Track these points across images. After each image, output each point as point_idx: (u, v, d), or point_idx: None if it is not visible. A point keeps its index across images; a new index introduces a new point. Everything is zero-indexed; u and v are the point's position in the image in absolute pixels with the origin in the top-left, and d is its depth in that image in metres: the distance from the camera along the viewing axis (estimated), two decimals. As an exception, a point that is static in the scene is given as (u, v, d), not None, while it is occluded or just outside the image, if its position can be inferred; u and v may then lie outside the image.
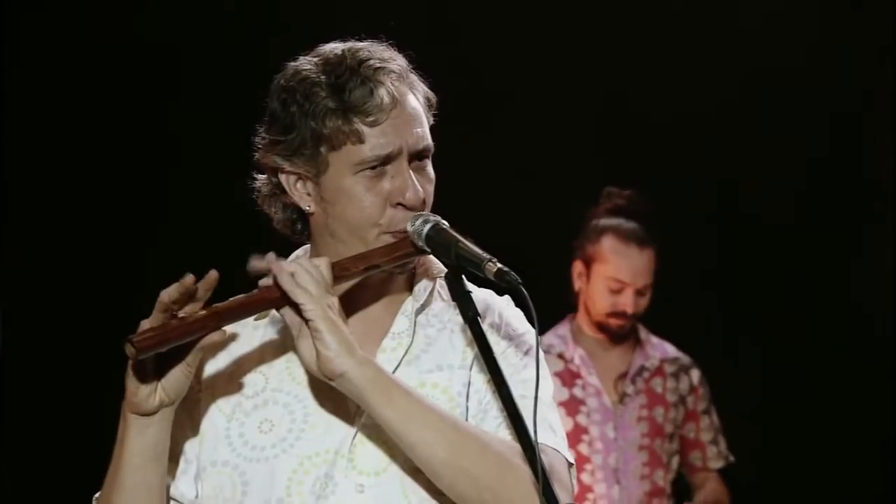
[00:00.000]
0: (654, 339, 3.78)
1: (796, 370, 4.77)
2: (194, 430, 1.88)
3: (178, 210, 4.49)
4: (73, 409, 4.37)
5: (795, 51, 4.83)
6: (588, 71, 4.65)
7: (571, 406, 3.61)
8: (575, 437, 3.57)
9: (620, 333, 3.67)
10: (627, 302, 3.59)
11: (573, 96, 4.62)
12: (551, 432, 1.83)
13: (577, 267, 3.68)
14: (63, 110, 4.53)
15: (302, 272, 1.74)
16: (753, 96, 4.80)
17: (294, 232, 1.93)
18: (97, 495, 1.87)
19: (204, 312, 1.74)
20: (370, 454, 1.83)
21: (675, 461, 3.77)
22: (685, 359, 3.78)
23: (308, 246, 1.94)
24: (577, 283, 3.69)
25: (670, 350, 3.79)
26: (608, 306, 3.61)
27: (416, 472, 1.82)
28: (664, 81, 4.76)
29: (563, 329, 3.71)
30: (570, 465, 1.86)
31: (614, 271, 3.59)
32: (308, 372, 1.83)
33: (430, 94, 1.90)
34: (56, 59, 4.49)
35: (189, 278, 1.72)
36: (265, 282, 1.78)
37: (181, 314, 1.74)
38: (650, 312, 3.92)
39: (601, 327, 3.68)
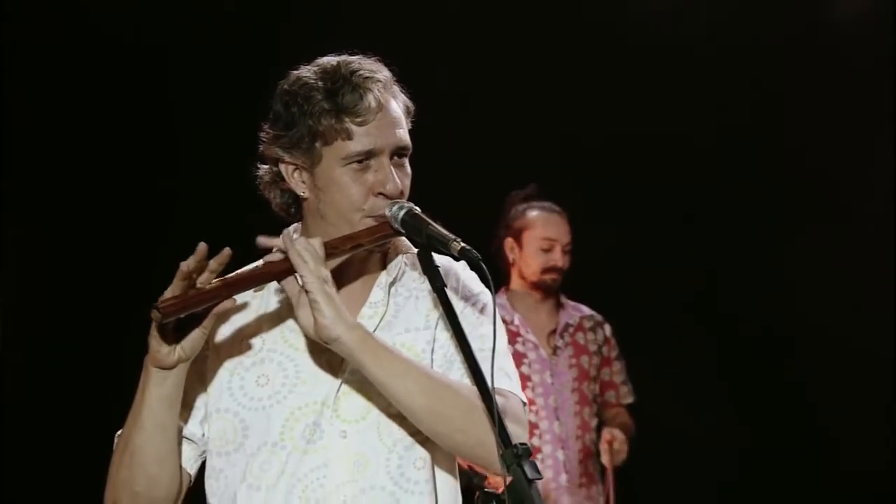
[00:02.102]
0: (571, 302, 4.23)
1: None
2: (202, 382, 2.04)
3: (183, 211, 4.39)
4: (75, 405, 4.31)
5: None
6: (540, 92, 4.91)
7: (516, 359, 3.74)
8: (521, 384, 3.90)
9: (553, 287, 4.12)
10: (557, 257, 4.07)
11: (527, 112, 4.87)
12: (507, 378, 2.05)
13: (509, 243, 4.12)
14: (64, 104, 4.43)
15: (303, 249, 1.90)
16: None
17: (289, 214, 2.10)
18: (119, 433, 2.03)
19: (217, 283, 1.89)
20: (351, 405, 2.01)
21: (595, 402, 4.18)
22: (598, 316, 4.26)
23: (297, 225, 2.09)
24: (511, 256, 4.12)
25: (585, 309, 4.25)
26: (542, 263, 4.07)
27: (389, 420, 2.01)
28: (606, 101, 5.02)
29: (501, 298, 4.10)
30: (524, 403, 2.07)
31: (544, 233, 4.07)
32: (300, 335, 2.00)
33: (409, 103, 2.07)
34: (67, 49, 4.44)
35: (202, 246, 1.88)
36: (271, 257, 1.93)
37: (198, 285, 1.88)
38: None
39: (537, 286, 4.11)
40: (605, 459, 4.05)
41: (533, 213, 4.13)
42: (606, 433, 4.07)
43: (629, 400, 4.28)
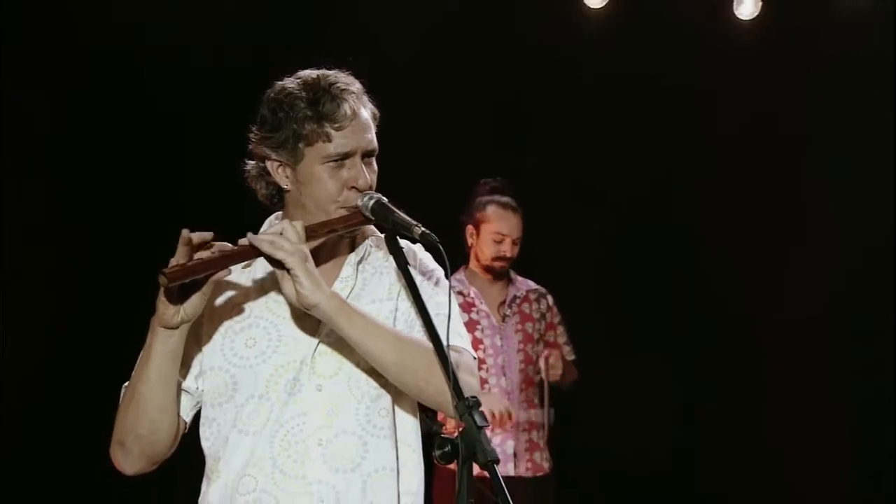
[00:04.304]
0: (519, 278, 4.56)
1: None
2: (198, 344, 2.17)
3: (185, 207, 4.29)
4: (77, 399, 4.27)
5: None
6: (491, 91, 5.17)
7: (470, 326, 4.33)
8: (474, 346, 4.15)
9: (501, 272, 4.46)
10: (507, 249, 4.42)
11: (482, 111, 5.14)
12: (460, 337, 2.19)
13: (469, 230, 4.44)
14: (64, 107, 4.44)
15: (279, 238, 2.02)
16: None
17: (273, 204, 2.23)
18: (125, 384, 2.15)
19: (216, 254, 2.02)
20: (326, 363, 2.15)
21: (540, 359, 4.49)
22: (542, 289, 4.59)
23: (280, 213, 2.23)
24: (470, 241, 4.45)
25: (531, 284, 4.58)
26: (494, 253, 4.41)
27: (358, 376, 2.16)
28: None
29: (459, 275, 4.44)
30: (475, 358, 2.22)
31: (497, 227, 4.40)
32: (283, 305, 2.15)
33: (376, 111, 2.21)
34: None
35: (209, 234, 2.04)
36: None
37: (199, 256, 2.01)
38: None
39: (488, 269, 4.44)
40: (542, 373, 4.39)
41: (491, 209, 4.43)
42: (545, 351, 4.42)
43: (571, 357, 4.60)
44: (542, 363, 4.39)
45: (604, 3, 5.23)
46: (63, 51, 4.45)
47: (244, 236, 2.09)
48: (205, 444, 2.21)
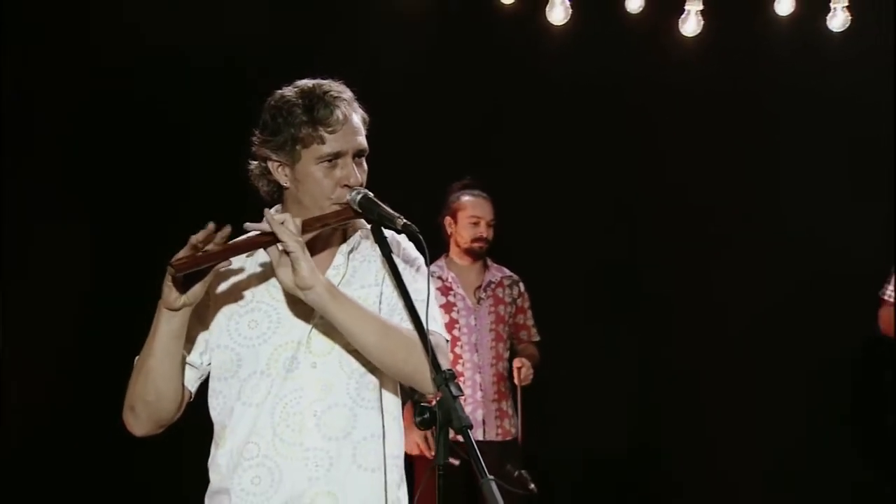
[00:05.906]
0: (494, 265, 4.72)
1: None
2: (204, 325, 2.23)
3: (190, 202, 4.16)
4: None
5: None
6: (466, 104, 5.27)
7: (448, 307, 4.53)
8: (451, 326, 4.48)
9: (480, 253, 4.62)
10: (483, 230, 4.60)
11: (457, 120, 5.26)
12: (434, 321, 2.24)
13: (448, 221, 4.61)
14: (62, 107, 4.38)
15: (289, 222, 2.10)
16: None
17: (273, 199, 2.29)
18: (136, 358, 2.20)
19: (218, 248, 2.08)
20: (320, 343, 2.22)
21: (509, 339, 4.69)
22: (515, 276, 4.76)
23: (278, 206, 2.28)
24: (449, 230, 4.61)
25: (506, 271, 4.75)
26: (472, 235, 4.59)
27: (348, 355, 2.22)
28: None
29: (440, 262, 4.62)
30: (447, 340, 2.29)
31: (472, 212, 4.59)
32: (281, 290, 2.20)
33: (366, 116, 2.28)
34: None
35: (211, 225, 2.07)
36: (259, 228, 2.13)
37: (204, 249, 2.06)
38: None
39: (468, 252, 4.61)
40: (515, 380, 4.54)
41: (465, 198, 4.62)
42: (517, 361, 4.57)
43: (537, 338, 4.80)
44: (514, 372, 4.55)
45: (565, 21, 5.39)
46: (63, 51, 4.39)
47: (245, 231, 2.15)
48: (213, 412, 2.28)
